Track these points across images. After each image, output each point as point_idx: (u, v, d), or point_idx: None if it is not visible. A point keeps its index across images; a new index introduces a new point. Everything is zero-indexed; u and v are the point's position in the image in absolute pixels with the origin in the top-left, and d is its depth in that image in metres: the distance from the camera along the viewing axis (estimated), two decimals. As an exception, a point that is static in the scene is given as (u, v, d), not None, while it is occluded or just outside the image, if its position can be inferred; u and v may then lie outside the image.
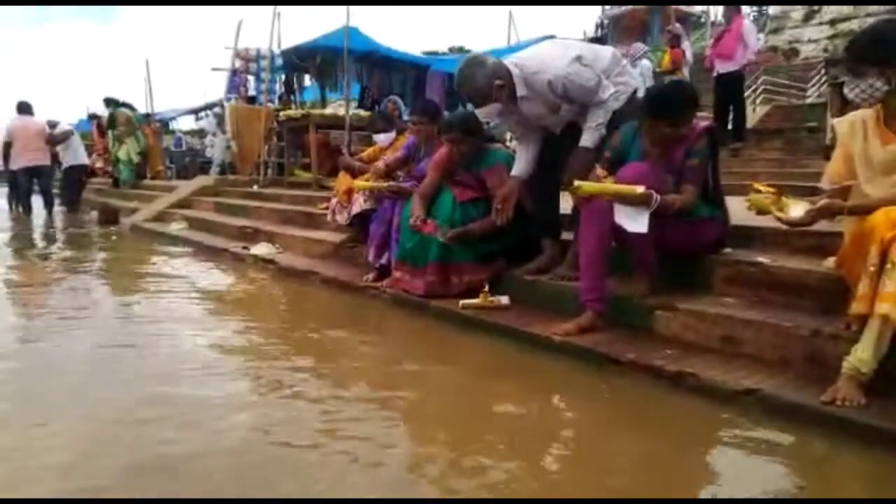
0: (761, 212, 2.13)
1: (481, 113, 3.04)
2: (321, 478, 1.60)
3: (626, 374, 2.26)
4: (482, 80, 2.84)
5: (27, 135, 8.86)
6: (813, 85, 12.32)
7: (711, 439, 1.88)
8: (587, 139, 2.91)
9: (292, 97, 10.79)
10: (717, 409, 1.98)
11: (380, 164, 4.05)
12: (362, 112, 8.13)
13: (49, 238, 7.19)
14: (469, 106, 3.27)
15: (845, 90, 2.10)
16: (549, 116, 3.02)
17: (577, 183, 2.37)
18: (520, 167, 3.17)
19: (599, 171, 2.55)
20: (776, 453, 1.74)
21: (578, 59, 2.86)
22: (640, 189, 2.28)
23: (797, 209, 2.02)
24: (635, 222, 2.32)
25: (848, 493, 1.57)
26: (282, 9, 9.15)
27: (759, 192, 2.16)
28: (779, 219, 2.05)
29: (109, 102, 11.23)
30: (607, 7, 24.42)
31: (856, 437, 1.70)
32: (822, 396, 1.82)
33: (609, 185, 2.43)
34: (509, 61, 2.93)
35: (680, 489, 1.59)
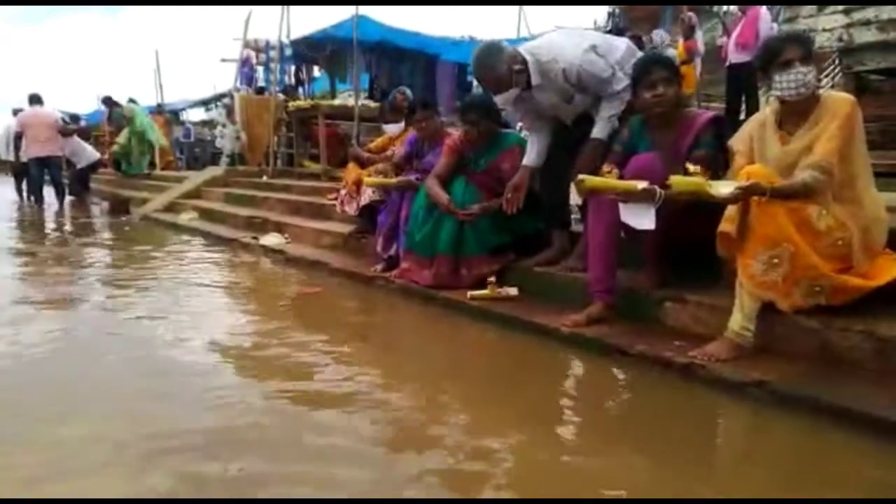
0: (683, 193, 2.13)
1: (499, 99, 3.02)
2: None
3: (634, 365, 2.26)
4: (501, 66, 2.82)
5: (39, 125, 8.92)
6: (827, 74, 12.13)
7: (721, 431, 1.87)
8: (599, 130, 2.89)
9: (301, 88, 10.80)
10: (727, 400, 1.97)
11: (384, 164, 4.09)
12: (371, 103, 8.12)
13: (61, 228, 7.25)
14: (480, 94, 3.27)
15: (802, 70, 2.15)
16: (562, 106, 3.00)
17: (580, 177, 2.37)
18: (531, 157, 3.17)
19: (605, 167, 2.54)
20: (786, 445, 1.73)
21: (593, 48, 2.85)
22: (642, 185, 2.27)
23: (726, 188, 2.08)
24: (641, 219, 2.31)
25: (856, 486, 1.56)
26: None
27: (689, 173, 2.21)
28: (711, 196, 2.08)
29: (107, 101, 11.49)
30: (619, -4, 24.16)
31: (866, 429, 1.69)
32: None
33: (611, 181, 2.43)
34: (524, 49, 2.92)
35: (693, 480, 1.58)
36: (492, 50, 2.88)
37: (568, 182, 3.19)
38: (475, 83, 11.64)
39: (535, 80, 2.87)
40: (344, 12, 8.84)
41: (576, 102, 2.96)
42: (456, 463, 1.64)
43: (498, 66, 2.82)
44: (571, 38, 2.96)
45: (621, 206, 2.34)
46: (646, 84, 2.52)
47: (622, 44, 3.01)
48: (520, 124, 4.94)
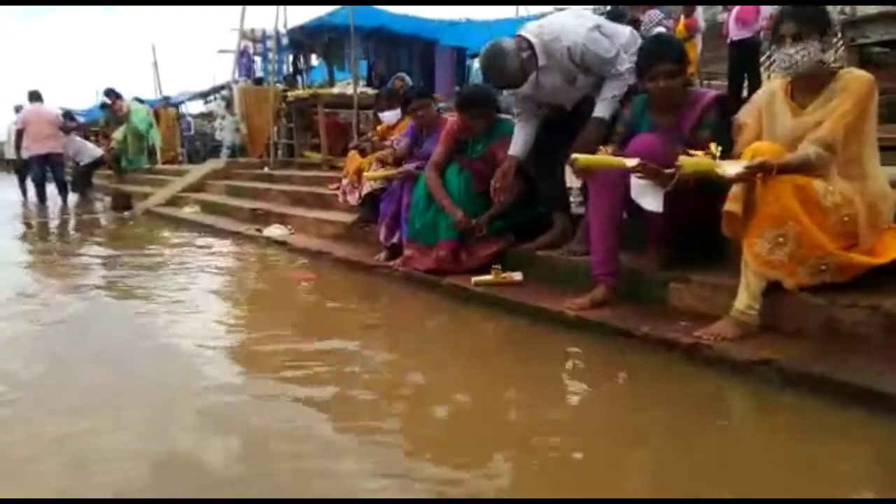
0: (696, 174, 2.13)
1: (517, 94, 2.99)
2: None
3: (640, 347, 2.25)
4: (512, 63, 2.78)
5: (40, 122, 8.91)
6: (830, 48, 11.99)
7: (729, 411, 1.87)
8: (601, 110, 2.87)
9: (300, 77, 10.74)
10: (734, 380, 1.97)
11: (383, 151, 4.11)
12: (370, 90, 8.08)
13: (64, 224, 7.27)
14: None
15: (790, 52, 2.12)
16: (566, 89, 2.96)
17: (574, 155, 2.37)
18: (517, 147, 3.13)
19: (604, 147, 2.52)
20: (794, 424, 1.73)
21: (597, 27, 2.85)
22: (632, 162, 2.27)
23: (734, 167, 2.06)
24: (650, 200, 2.30)
25: (856, 464, 1.56)
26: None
27: (693, 154, 2.17)
28: (720, 177, 2.08)
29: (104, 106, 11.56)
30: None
31: (871, 405, 1.68)
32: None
33: (604, 158, 2.42)
34: (527, 32, 2.88)
35: (704, 462, 1.58)
36: (498, 51, 2.81)
37: (564, 165, 3.18)
38: (474, 68, 11.62)
39: (541, 60, 2.83)
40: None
41: (579, 84, 2.93)
42: (461, 441, 1.65)
43: (509, 65, 2.78)
44: (575, 18, 2.94)
45: (633, 181, 2.32)
46: (650, 75, 2.48)
47: (626, 30, 3.01)
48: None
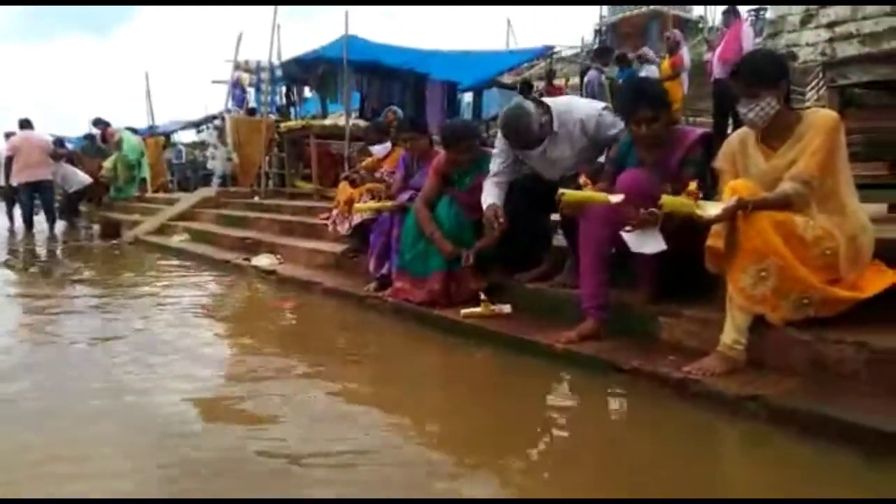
0: (675, 212, 2.17)
1: (532, 153, 3.07)
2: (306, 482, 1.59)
3: (629, 381, 2.25)
4: (535, 125, 2.94)
5: (30, 149, 8.88)
6: (812, 88, 12.30)
7: (717, 445, 1.86)
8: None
9: (293, 108, 10.85)
10: (722, 415, 1.97)
11: (374, 184, 4.20)
12: (362, 122, 8.16)
13: (51, 253, 7.20)
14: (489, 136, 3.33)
15: (743, 110, 2.21)
16: (568, 159, 3.05)
17: (561, 191, 2.42)
18: (492, 199, 3.13)
19: (582, 179, 2.56)
20: (782, 459, 1.72)
21: (606, 107, 3.07)
22: (616, 198, 2.33)
23: (713, 208, 2.12)
24: (649, 244, 2.31)
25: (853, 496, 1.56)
26: (282, 18, 9.20)
27: (679, 193, 2.21)
28: (699, 217, 2.13)
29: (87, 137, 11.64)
30: (604, 14, 24.53)
31: (858, 442, 1.69)
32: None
33: (588, 194, 2.47)
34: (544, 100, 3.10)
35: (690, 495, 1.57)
36: (523, 111, 2.96)
37: (547, 217, 3.23)
38: (464, 101, 11.80)
39: (555, 125, 2.99)
40: (333, 33, 8.90)
41: (580, 155, 3.03)
42: (448, 479, 1.63)
43: (533, 125, 2.93)
44: (585, 100, 3.30)
45: (626, 237, 2.35)
46: (632, 120, 2.56)
47: (621, 122, 3.04)
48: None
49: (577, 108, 3.04)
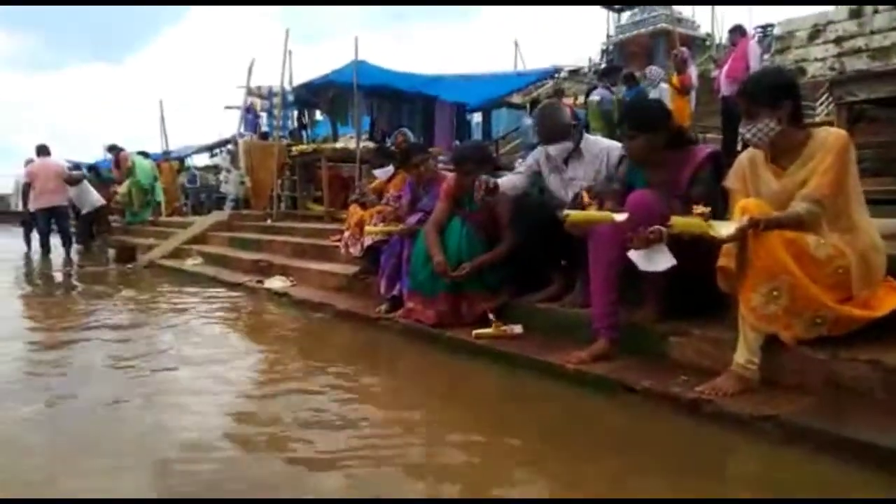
0: (685, 232, 2.16)
1: (555, 148, 3.23)
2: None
3: (641, 402, 2.24)
4: (566, 117, 3.28)
5: (46, 175, 9.06)
6: (821, 103, 12.29)
7: (733, 466, 1.84)
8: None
9: (304, 132, 11.00)
10: (736, 435, 1.95)
11: (384, 206, 4.28)
12: (371, 145, 8.26)
13: (67, 277, 7.30)
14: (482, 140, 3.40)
15: (742, 131, 2.22)
16: (584, 181, 3.16)
17: (565, 211, 2.45)
18: (506, 183, 3.33)
19: (585, 198, 2.59)
20: (798, 479, 1.71)
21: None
22: (620, 217, 2.34)
23: (726, 227, 2.10)
24: (658, 262, 2.30)
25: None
26: (292, 45, 9.37)
27: (692, 211, 2.21)
28: (712, 237, 2.11)
29: (112, 149, 11.90)
30: (612, 34, 24.72)
31: (873, 461, 1.67)
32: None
33: (592, 213, 2.51)
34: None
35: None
36: (556, 105, 3.50)
37: (556, 237, 3.27)
38: (473, 121, 11.91)
39: (582, 143, 3.23)
40: (343, 58, 9.05)
41: (596, 179, 3.15)
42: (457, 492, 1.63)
43: (564, 117, 3.28)
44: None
45: (633, 256, 2.34)
46: (622, 137, 2.66)
47: None
48: (518, 162, 5.05)
49: (604, 141, 3.29)
